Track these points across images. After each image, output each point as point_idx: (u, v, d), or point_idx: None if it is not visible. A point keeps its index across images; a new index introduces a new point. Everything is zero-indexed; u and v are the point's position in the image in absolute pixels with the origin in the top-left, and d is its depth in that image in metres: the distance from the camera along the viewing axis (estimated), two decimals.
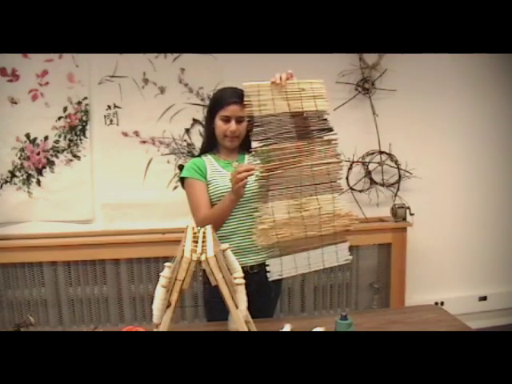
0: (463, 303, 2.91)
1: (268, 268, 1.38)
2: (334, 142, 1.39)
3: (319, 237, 1.38)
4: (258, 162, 1.39)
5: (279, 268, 1.38)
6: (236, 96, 1.62)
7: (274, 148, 1.35)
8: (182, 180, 1.69)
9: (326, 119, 1.39)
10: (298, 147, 1.36)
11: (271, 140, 1.35)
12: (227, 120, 1.62)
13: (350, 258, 1.42)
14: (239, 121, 1.62)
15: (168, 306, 1.16)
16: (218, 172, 1.66)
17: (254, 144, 1.42)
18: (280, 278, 1.40)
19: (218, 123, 1.64)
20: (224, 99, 1.63)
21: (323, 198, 1.38)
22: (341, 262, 1.41)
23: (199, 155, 1.74)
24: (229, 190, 1.54)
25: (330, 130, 1.39)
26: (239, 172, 1.41)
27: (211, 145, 1.73)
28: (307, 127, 1.37)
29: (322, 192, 1.39)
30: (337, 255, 1.41)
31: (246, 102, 1.36)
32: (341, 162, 1.40)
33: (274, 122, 1.35)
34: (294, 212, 1.36)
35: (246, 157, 1.71)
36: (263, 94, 1.34)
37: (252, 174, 1.40)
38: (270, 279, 1.40)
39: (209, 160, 1.69)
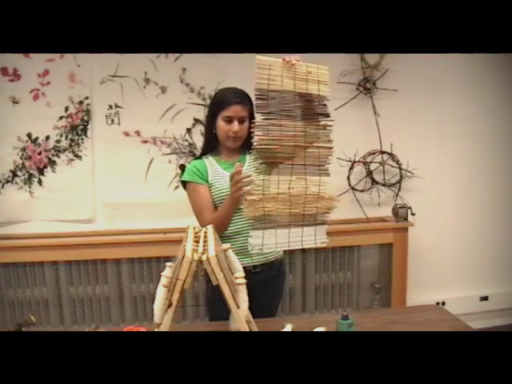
0: (464, 303, 2.90)
1: (250, 240, 1.39)
2: (328, 127, 1.42)
3: (301, 215, 1.42)
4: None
5: (260, 242, 1.40)
6: (238, 96, 1.62)
7: (272, 123, 1.37)
8: (183, 183, 1.69)
9: (325, 105, 1.42)
10: (295, 126, 1.39)
11: (272, 115, 1.37)
12: (230, 120, 1.61)
13: (327, 241, 1.45)
14: (241, 121, 1.62)
15: (169, 306, 1.16)
16: (220, 174, 1.65)
17: (256, 117, 1.42)
18: (260, 251, 1.42)
19: (221, 124, 1.63)
20: (226, 100, 1.62)
21: (311, 179, 1.43)
22: (318, 244, 1.45)
23: (200, 157, 1.73)
24: None
25: (327, 115, 1.42)
26: (237, 181, 1.42)
27: (212, 146, 1.72)
28: (307, 109, 1.40)
29: (311, 173, 1.43)
30: (315, 237, 1.45)
31: (256, 73, 1.34)
32: (331, 148, 1.43)
33: (278, 99, 1.36)
34: (282, 188, 1.40)
35: (247, 157, 1.70)
36: (274, 69, 1.35)
37: (251, 182, 1.40)
38: (251, 251, 1.42)
39: (210, 162, 1.69)
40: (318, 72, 1.39)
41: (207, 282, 1.68)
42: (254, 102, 1.38)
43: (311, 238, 1.44)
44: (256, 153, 1.37)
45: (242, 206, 1.54)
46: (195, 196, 1.64)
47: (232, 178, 1.46)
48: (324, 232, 1.46)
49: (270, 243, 1.41)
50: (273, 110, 1.36)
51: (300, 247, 1.45)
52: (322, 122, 1.41)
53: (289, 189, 1.40)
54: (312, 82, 1.38)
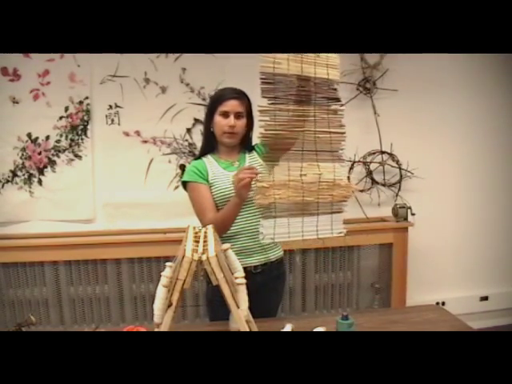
0: (464, 303, 2.91)
1: (261, 229, 1.33)
2: (340, 112, 1.36)
3: (316, 204, 1.35)
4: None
5: (272, 231, 1.32)
6: (235, 92, 1.63)
7: (280, 108, 1.30)
8: (184, 183, 1.69)
9: (335, 89, 1.35)
10: (303, 111, 1.32)
11: (279, 100, 1.30)
12: (226, 115, 1.62)
13: (345, 230, 1.37)
14: (238, 116, 1.62)
15: (169, 306, 1.16)
16: (220, 173, 1.65)
17: (262, 102, 1.33)
18: (272, 240, 1.33)
19: (217, 119, 1.63)
20: (223, 95, 1.64)
21: (324, 165, 1.36)
22: (335, 235, 1.37)
23: (199, 157, 1.73)
24: (231, 191, 1.54)
25: (338, 100, 1.36)
26: (241, 178, 1.39)
27: (211, 145, 1.71)
28: (316, 93, 1.34)
29: (324, 160, 1.36)
30: (331, 226, 1.37)
31: (261, 56, 1.28)
32: (344, 133, 1.36)
33: (284, 82, 1.30)
34: (293, 175, 1.32)
35: (247, 156, 1.71)
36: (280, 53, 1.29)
37: (256, 175, 1.36)
38: (262, 241, 1.35)
39: (209, 161, 1.68)
40: (328, 57, 1.34)
41: (207, 282, 1.68)
42: (260, 87, 1.30)
43: (327, 227, 1.36)
44: (262, 139, 1.32)
45: (243, 206, 1.54)
46: (196, 196, 1.63)
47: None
48: (341, 221, 1.37)
49: (281, 232, 1.33)
50: (279, 95, 1.30)
51: (315, 237, 1.35)
52: (332, 107, 1.35)
53: (301, 175, 1.32)
54: (320, 66, 1.32)
